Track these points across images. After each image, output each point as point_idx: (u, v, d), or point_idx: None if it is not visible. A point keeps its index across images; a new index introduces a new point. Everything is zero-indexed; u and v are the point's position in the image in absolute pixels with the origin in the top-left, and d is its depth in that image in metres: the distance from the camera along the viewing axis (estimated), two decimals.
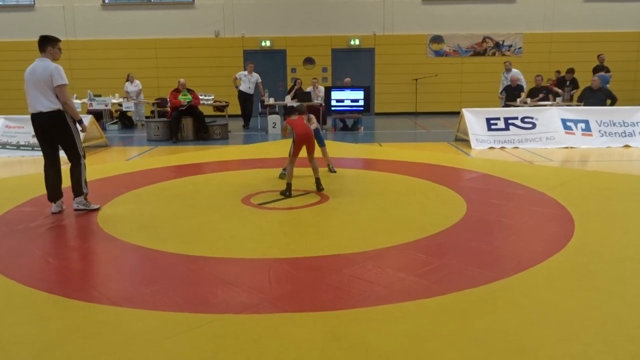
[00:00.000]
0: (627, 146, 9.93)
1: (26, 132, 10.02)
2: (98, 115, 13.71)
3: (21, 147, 9.88)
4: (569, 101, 12.65)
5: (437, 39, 17.62)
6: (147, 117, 15.20)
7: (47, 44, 5.33)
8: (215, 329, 2.93)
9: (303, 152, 6.29)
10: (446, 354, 2.66)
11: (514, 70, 13.49)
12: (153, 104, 15.03)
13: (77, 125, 5.50)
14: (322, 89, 13.78)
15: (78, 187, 5.40)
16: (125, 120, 14.97)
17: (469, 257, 4.05)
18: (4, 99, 16.72)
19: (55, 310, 3.21)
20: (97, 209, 5.48)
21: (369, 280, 3.60)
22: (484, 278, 3.59)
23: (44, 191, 5.72)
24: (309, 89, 13.90)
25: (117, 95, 15.01)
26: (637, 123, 10.27)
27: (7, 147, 9.91)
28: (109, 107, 14.49)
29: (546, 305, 3.20)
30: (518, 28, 17.47)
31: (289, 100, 13.49)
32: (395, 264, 3.92)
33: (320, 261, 4.00)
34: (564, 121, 10.27)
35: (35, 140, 9.92)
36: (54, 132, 5.32)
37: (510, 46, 17.64)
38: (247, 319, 3.06)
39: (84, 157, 5.48)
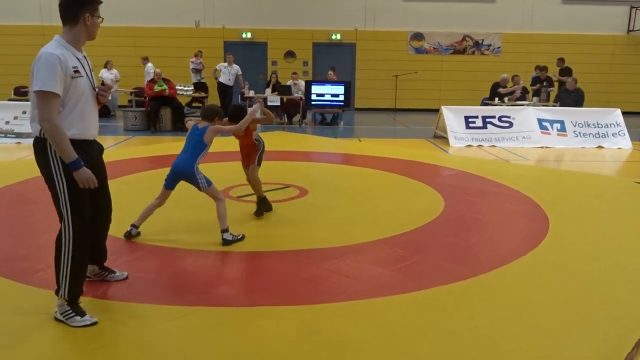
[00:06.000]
0: (600, 147, 10.14)
1: None
2: None
3: None
4: (545, 100, 12.84)
5: (417, 36, 17.71)
6: (124, 107, 14.98)
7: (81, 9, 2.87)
8: (192, 322, 2.92)
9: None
10: (421, 348, 2.70)
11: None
12: (131, 93, 14.81)
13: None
14: (302, 83, 13.74)
15: (56, 273, 2.93)
16: (101, 109, 14.70)
17: (446, 254, 4.10)
18: None
19: (25, 300, 3.15)
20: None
21: (347, 274, 3.62)
22: (460, 274, 3.64)
23: (15, 179, 5.51)
24: (288, 82, 13.85)
25: (97, 87, 14.73)
26: (610, 125, 10.49)
27: None
28: None
29: (519, 301, 3.26)
30: (497, 28, 17.66)
31: (269, 93, 13.42)
32: (373, 259, 3.95)
33: (297, 255, 4.01)
34: (540, 121, 10.44)
35: (9, 127, 9.73)
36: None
37: (489, 45, 17.83)
38: (224, 311, 3.05)
39: (74, 223, 2.86)
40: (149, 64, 14.95)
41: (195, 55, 14.96)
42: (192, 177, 4.12)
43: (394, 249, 4.16)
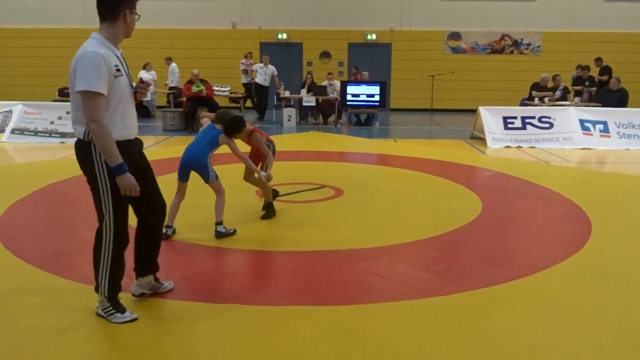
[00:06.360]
0: None
1: (44, 119, 10.13)
2: None
3: (39, 134, 9.98)
4: (587, 101, 12.46)
5: (454, 36, 17.46)
6: (162, 107, 15.27)
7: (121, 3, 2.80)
8: (227, 320, 2.94)
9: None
10: (459, 352, 2.65)
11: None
12: (169, 94, 15.09)
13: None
14: (337, 83, 13.74)
15: (96, 271, 2.94)
16: (141, 109, 15.05)
17: (484, 256, 4.02)
18: (23, 85, 16.91)
19: (68, 296, 3.24)
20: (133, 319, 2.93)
21: (382, 275, 3.59)
22: (498, 277, 3.56)
23: (59, 178, 5.64)
24: (324, 83, 13.87)
25: (133, 84, 15.08)
26: None
27: (26, 133, 10.01)
28: None
29: (560, 306, 3.17)
30: (537, 26, 17.25)
31: (304, 94, 13.46)
32: (408, 260, 3.91)
33: (333, 255, 4.00)
34: (582, 122, 10.14)
35: (53, 127, 10.06)
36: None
37: (528, 44, 17.44)
38: (260, 310, 3.07)
39: (115, 224, 2.86)
40: (173, 64, 15.19)
41: (245, 57, 15.03)
42: (203, 169, 4.28)
43: (430, 251, 4.10)
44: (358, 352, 2.63)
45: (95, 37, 2.78)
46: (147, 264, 3.14)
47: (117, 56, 2.81)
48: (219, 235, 4.24)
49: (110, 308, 2.92)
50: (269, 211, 4.99)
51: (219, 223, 4.30)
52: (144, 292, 3.15)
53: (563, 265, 3.81)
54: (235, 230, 4.37)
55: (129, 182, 2.73)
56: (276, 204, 5.11)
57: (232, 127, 4.45)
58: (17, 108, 10.40)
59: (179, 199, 4.42)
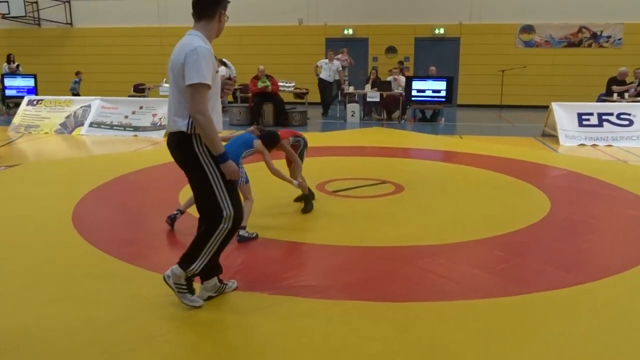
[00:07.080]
0: None
1: (119, 113, 10.66)
2: None
3: (114, 127, 10.51)
4: None
5: (527, 29, 16.79)
6: (229, 102, 15.65)
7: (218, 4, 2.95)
8: (282, 311, 2.97)
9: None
10: (517, 356, 2.54)
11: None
12: (235, 89, 15.43)
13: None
14: (402, 78, 13.56)
15: (195, 251, 2.98)
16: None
17: (550, 258, 3.84)
18: (101, 81, 17.86)
19: (134, 280, 3.38)
20: (198, 306, 3.02)
21: (441, 274, 3.51)
22: (565, 281, 3.39)
23: (131, 169, 5.91)
24: (389, 78, 13.72)
25: None
26: None
27: (102, 126, 10.57)
28: None
29: (630, 314, 2.97)
30: (618, 17, 16.26)
31: (368, 89, 13.38)
32: (469, 259, 3.80)
33: (392, 251, 3.95)
34: None
35: (127, 121, 10.56)
36: (182, 168, 3.01)
37: (608, 37, 16.48)
38: (315, 303, 3.08)
39: (230, 218, 2.93)
40: (223, 59, 15.39)
41: (341, 53, 15.02)
42: None
43: (493, 251, 3.97)
44: (414, 351, 2.58)
45: (198, 35, 2.87)
46: (211, 265, 3.07)
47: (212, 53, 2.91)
48: (242, 239, 4.17)
49: (185, 287, 2.98)
50: (307, 204, 5.01)
51: (242, 227, 4.18)
52: (210, 295, 3.12)
53: (637, 271, 3.57)
54: (257, 235, 4.30)
55: (232, 167, 2.87)
56: (336, 199, 5.11)
57: (268, 139, 4.60)
58: (95, 103, 11.02)
59: None
